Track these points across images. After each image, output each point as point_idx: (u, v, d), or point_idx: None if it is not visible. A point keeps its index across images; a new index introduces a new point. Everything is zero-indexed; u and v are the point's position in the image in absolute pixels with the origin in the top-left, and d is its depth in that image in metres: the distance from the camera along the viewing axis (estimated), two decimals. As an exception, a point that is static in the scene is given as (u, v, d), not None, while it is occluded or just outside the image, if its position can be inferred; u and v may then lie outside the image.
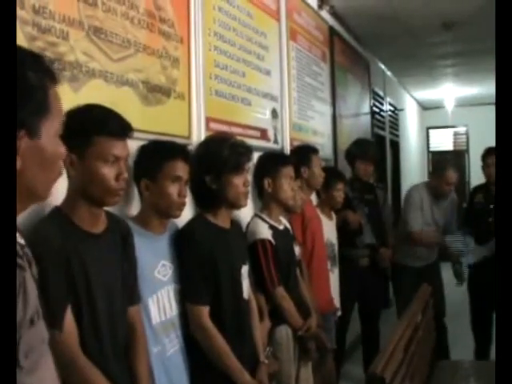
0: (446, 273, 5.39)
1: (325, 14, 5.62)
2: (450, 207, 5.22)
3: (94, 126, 1.94)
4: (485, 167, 5.10)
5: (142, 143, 2.48)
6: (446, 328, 5.12)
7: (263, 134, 3.90)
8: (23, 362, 1.19)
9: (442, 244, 5.09)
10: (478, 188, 5.46)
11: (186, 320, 2.55)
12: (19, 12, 1.98)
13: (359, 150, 5.15)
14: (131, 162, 2.34)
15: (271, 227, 3.23)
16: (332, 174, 4.41)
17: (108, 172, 1.94)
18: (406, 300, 4.01)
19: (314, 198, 4.42)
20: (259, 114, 3.87)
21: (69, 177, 1.96)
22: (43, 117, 1.24)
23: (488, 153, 5.06)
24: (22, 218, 1.82)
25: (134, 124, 2.08)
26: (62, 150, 1.33)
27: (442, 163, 5.22)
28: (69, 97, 2.17)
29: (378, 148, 5.99)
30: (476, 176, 5.48)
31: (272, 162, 3.42)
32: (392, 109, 9.32)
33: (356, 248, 4.83)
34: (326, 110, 5.51)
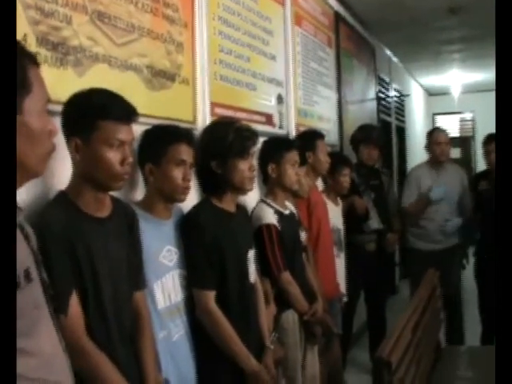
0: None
1: (330, -2, 5.59)
2: (456, 181, 5.18)
3: (99, 111, 1.92)
4: (486, 154, 5.07)
5: (146, 128, 2.47)
6: (461, 315, 5.07)
7: (268, 119, 3.89)
8: None
9: (424, 207, 5.07)
10: (481, 175, 5.44)
11: (192, 305, 2.55)
12: (22, -4, 1.97)
13: (363, 134, 5.18)
14: (135, 146, 2.33)
15: (276, 212, 3.22)
16: (338, 159, 4.40)
17: (113, 156, 1.93)
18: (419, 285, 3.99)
19: (319, 183, 4.41)
20: (264, 100, 3.85)
21: (74, 161, 1.96)
22: (23, 94, 1.32)
23: (489, 139, 5.03)
24: (27, 201, 1.84)
25: (139, 109, 2.06)
26: (51, 126, 1.41)
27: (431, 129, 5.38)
28: (73, 81, 2.17)
29: (383, 133, 5.98)
30: (482, 162, 5.47)
31: (276, 147, 3.40)
32: (398, 95, 9.28)
33: (363, 233, 4.82)
34: (332, 95, 5.49)
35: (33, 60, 1.37)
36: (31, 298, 1.32)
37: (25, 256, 1.33)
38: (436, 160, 5.21)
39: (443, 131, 5.45)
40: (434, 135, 5.27)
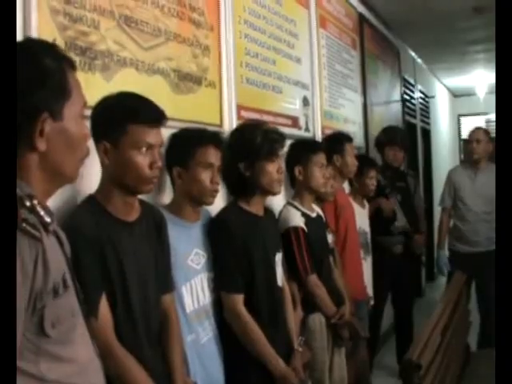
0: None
1: (354, 0, 5.56)
2: (493, 180, 5.00)
3: (128, 114, 1.92)
4: None
5: (173, 131, 2.48)
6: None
7: (294, 122, 3.88)
8: (50, 331, 1.23)
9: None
10: None
11: (220, 308, 2.55)
12: (51, 2, 1.99)
13: (387, 136, 5.16)
14: (162, 150, 2.34)
15: (304, 215, 3.21)
16: (364, 161, 4.38)
17: (142, 160, 1.93)
18: None
19: (346, 186, 4.39)
20: (290, 102, 3.85)
21: (103, 165, 1.96)
22: (64, 99, 1.31)
23: None
24: (56, 206, 1.84)
25: (166, 112, 2.06)
26: (86, 131, 1.42)
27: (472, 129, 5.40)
28: (101, 86, 2.18)
29: (408, 135, 5.94)
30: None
31: (302, 149, 3.39)
32: (423, 96, 9.21)
33: (390, 235, 4.79)
34: (357, 97, 5.47)
35: (71, 64, 1.37)
36: (68, 305, 1.32)
37: (61, 262, 1.33)
38: (474, 161, 5.15)
39: (484, 129, 5.46)
40: (474, 133, 5.23)
